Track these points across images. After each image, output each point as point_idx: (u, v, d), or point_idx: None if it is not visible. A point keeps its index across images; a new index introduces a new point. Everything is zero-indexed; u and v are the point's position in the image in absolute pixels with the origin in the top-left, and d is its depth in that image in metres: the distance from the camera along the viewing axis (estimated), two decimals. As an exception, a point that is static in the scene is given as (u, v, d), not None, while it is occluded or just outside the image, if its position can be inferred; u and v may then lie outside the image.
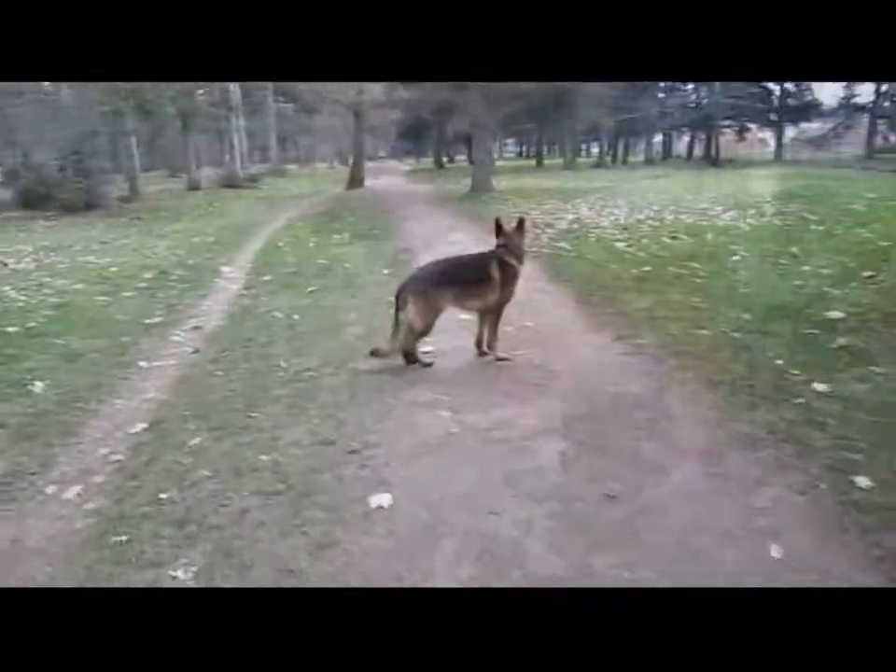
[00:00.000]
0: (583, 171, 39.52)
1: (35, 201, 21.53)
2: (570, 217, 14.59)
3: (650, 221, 13.27)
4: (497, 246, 5.13)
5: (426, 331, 4.81)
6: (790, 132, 50.12)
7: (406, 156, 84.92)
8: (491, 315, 5.03)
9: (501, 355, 5.06)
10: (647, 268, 8.25)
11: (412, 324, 4.69)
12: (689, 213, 14.54)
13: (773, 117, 46.43)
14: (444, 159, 57.63)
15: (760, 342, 5.19)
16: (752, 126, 50.02)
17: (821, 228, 11.34)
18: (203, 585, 2.47)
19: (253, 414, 4.06)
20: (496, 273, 4.91)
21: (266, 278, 9.00)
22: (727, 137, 50.22)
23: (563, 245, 10.57)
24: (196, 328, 6.57)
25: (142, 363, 5.37)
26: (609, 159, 51.02)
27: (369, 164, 67.28)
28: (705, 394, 4.20)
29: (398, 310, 4.71)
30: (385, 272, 9.01)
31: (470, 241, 11.23)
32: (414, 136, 64.14)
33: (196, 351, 5.65)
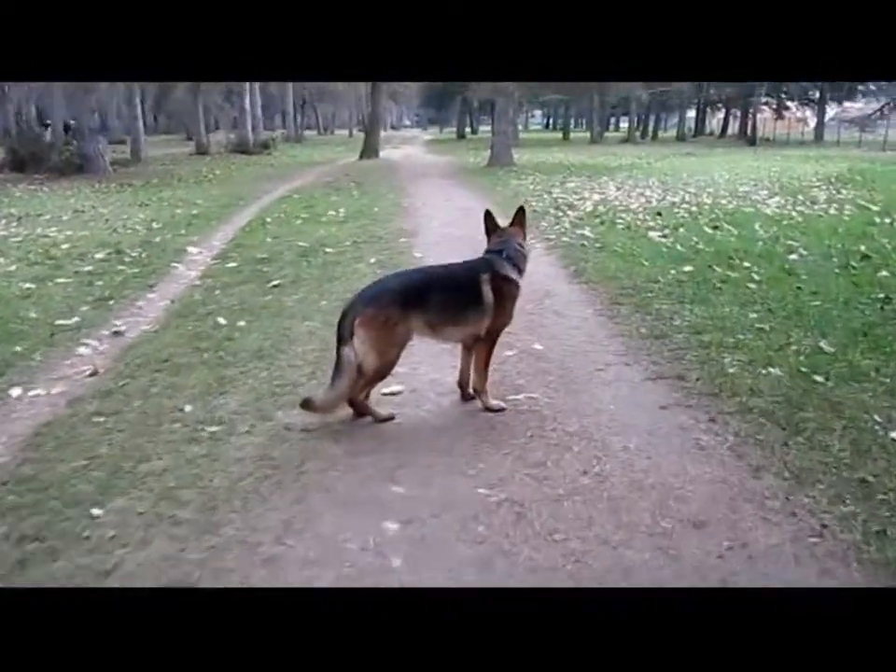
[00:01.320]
0: (611, 146, 37.60)
1: (25, 162, 20.24)
2: (596, 197, 13.00)
3: (685, 205, 11.66)
4: (489, 252, 3.67)
5: (383, 374, 3.39)
6: (830, 111, 47.76)
7: (430, 125, 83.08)
8: (480, 348, 3.59)
9: (493, 403, 3.62)
10: (687, 267, 6.73)
11: (362, 363, 3.26)
12: (729, 197, 12.91)
13: (814, 94, 44.14)
14: (468, 129, 55.71)
15: (855, 393, 3.71)
16: (792, 104, 47.62)
17: (888, 221, 9.73)
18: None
19: (97, 512, 2.66)
20: (486, 290, 3.47)
21: (231, 265, 7.58)
22: (764, 115, 47.93)
23: (586, 231, 9.04)
24: (117, 333, 5.18)
25: (14, 392, 4.00)
26: (638, 134, 48.76)
27: (391, 133, 65.87)
28: (794, 497, 2.74)
29: (340, 343, 3.28)
30: (373, 260, 7.57)
31: (480, 223, 9.76)
32: (438, 105, 62.07)
33: (94, 374, 4.26)
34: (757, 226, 9.32)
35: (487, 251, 3.68)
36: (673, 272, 6.60)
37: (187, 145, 36.81)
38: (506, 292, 3.53)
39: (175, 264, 7.82)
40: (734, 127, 52.38)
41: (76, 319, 5.50)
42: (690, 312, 5.33)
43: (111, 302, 6.11)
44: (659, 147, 35.95)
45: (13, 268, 7.56)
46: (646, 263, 6.99)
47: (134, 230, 10.31)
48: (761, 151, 32.41)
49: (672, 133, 54.20)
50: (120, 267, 7.57)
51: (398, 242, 8.76)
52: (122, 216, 11.88)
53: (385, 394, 3.76)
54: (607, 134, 49.53)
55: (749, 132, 43.72)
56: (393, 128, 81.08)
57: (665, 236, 8.65)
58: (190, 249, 8.65)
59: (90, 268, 7.51)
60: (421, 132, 76.60)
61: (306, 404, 3.29)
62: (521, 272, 3.61)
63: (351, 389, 3.30)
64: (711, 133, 53.99)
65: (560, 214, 10.87)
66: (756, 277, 6.37)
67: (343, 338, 3.26)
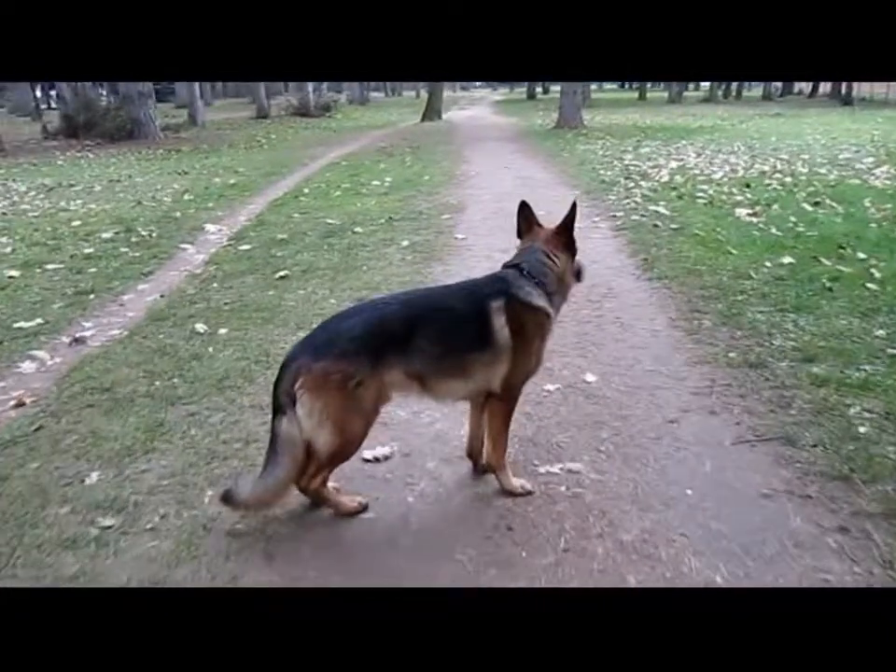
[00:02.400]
0: (691, 106, 35.16)
1: (79, 128, 19.82)
2: (673, 164, 11.51)
3: (778, 175, 10.10)
4: (509, 266, 2.53)
5: (344, 455, 2.32)
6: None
7: (501, 85, 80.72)
8: (495, 409, 2.49)
9: (514, 483, 2.53)
10: (787, 259, 5.40)
11: (313, 443, 2.20)
12: (828, 165, 11.20)
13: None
14: (538, 89, 53.48)
15: None
16: (893, 57, 43.75)
17: None
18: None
19: None
20: (499, 324, 2.36)
21: (244, 247, 6.62)
22: (861, 70, 44.14)
23: (661, 208, 7.70)
24: (78, 341, 4.28)
25: None
26: (720, 93, 45.72)
27: (460, 94, 63.98)
28: None
29: (277, 412, 2.22)
30: (405, 243, 6.49)
31: (538, 196, 8.53)
32: (508, 64, 59.66)
33: (19, 405, 3.37)
34: (867, 202, 7.77)
35: (508, 264, 2.53)
36: (768, 264, 5.30)
37: (250, 108, 36.30)
38: (529, 327, 2.40)
39: (186, 245, 6.92)
40: (825, 86, 48.63)
41: (38, 321, 4.63)
42: (794, 325, 4.07)
43: (91, 297, 5.22)
44: (743, 107, 33.29)
45: (8, 250, 6.79)
46: (734, 252, 5.69)
47: (161, 202, 9.51)
48: (858, 112, 29.63)
49: (757, 92, 50.69)
50: (123, 249, 6.72)
51: (439, 219, 7.65)
52: (156, 185, 11.14)
53: (366, 460, 2.70)
54: (686, 94, 46.57)
55: (843, 91, 40.31)
56: (463, 88, 79.01)
57: (755, 214, 7.25)
58: (209, 227, 7.74)
59: (90, 250, 6.69)
60: (491, 92, 74.31)
61: (228, 499, 2.24)
62: (550, 295, 2.47)
63: (294, 479, 2.24)
64: (800, 93, 50.27)
65: (631, 185, 9.50)
66: (876, 274, 5.01)
67: (280, 406, 2.20)
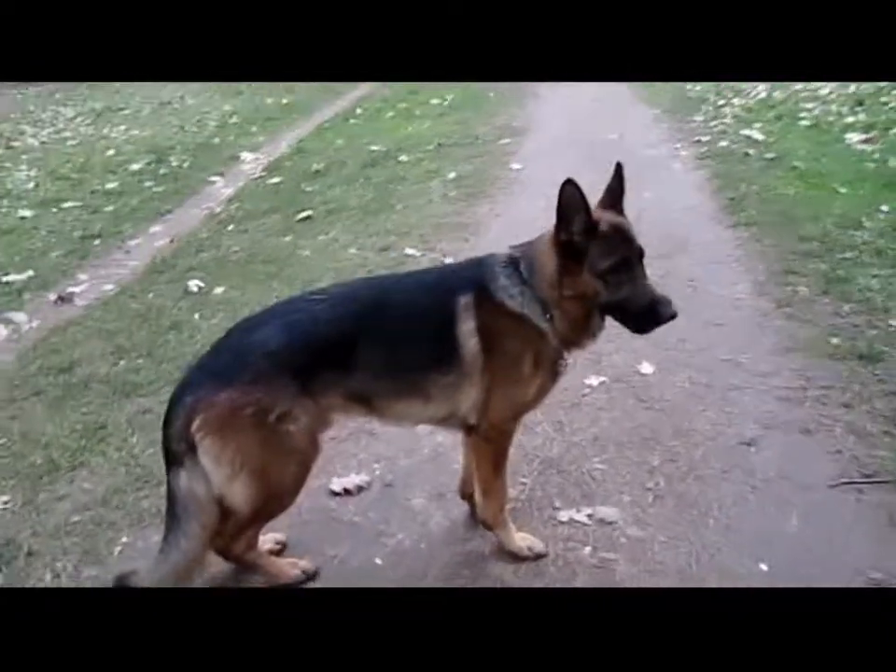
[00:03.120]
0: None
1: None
2: (772, 78, 10.10)
3: (898, 90, 8.65)
4: (506, 263, 1.74)
5: (276, 508, 1.70)
6: None
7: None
8: (477, 447, 1.81)
9: (517, 543, 1.86)
10: (911, 200, 4.38)
11: (225, 498, 1.59)
12: (961, 74, 9.57)
13: None
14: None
15: None
16: None
17: None
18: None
19: None
20: (468, 331, 1.67)
21: (274, 181, 6.00)
22: None
23: (755, 132, 6.57)
24: (63, 299, 3.82)
25: None
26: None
27: None
28: None
29: (172, 463, 1.61)
30: (452, 175, 5.71)
31: (614, 116, 7.54)
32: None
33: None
34: None
35: (505, 260, 1.75)
36: (885, 208, 4.28)
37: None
38: (507, 339, 1.69)
39: (215, 178, 6.37)
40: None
41: (28, 274, 4.18)
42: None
43: (96, 242, 4.73)
44: None
45: (31, 185, 6.38)
46: (842, 191, 4.67)
47: (205, 126, 8.97)
48: None
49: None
50: (148, 183, 6.22)
51: (496, 145, 6.78)
52: (205, 108, 10.58)
53: (334, 493, 2.09)
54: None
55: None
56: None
57: (869, 140, 6.06)
58: (245, 156, 7.15)
59: (114, 185, 6.21)
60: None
61: (123, 581, 1.65)
62: (542, 302, 1.68)
63: (208, 545, 1.64)
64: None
65: (721, 102, 8.30)
66: None
67: (175, 456, 1.58)
